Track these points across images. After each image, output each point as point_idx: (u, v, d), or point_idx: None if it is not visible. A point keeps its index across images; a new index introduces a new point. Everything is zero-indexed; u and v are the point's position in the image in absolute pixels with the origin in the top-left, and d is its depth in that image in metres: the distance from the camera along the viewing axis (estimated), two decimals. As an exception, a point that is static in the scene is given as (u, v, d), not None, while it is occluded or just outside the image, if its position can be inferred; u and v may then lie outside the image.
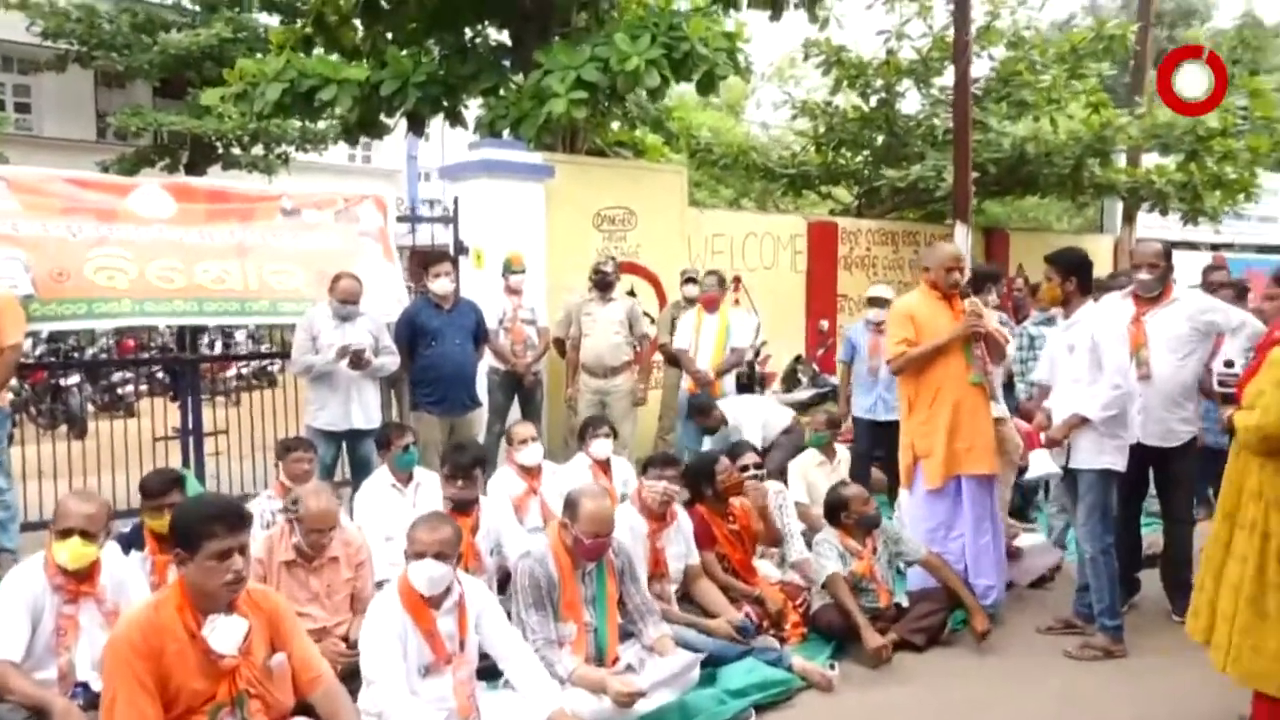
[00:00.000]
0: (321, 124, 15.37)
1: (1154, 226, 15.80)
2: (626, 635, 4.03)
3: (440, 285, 6.37)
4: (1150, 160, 12.20)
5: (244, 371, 11.69)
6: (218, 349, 11.97)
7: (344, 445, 6.13)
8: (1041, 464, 4.62)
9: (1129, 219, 12.97)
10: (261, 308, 6.67)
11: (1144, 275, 4.84)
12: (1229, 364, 3.66)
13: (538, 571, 3.79)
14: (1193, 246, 15.41)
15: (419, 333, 6.37)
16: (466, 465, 4.48)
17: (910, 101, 12.41)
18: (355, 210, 7.36)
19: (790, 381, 8.98)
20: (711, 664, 4.08)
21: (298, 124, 18.28)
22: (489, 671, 3.65)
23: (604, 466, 5.99)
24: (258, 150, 20.06)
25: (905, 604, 4.81)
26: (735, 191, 18.31)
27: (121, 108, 19.85)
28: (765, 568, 5.08)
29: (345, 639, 3.98)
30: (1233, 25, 22.13)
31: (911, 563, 4.86)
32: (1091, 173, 11.21)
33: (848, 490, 4.85)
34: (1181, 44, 14.45)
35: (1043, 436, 4.53)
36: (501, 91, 9.13)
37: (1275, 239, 19.85)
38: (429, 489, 5.03)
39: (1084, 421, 4.39)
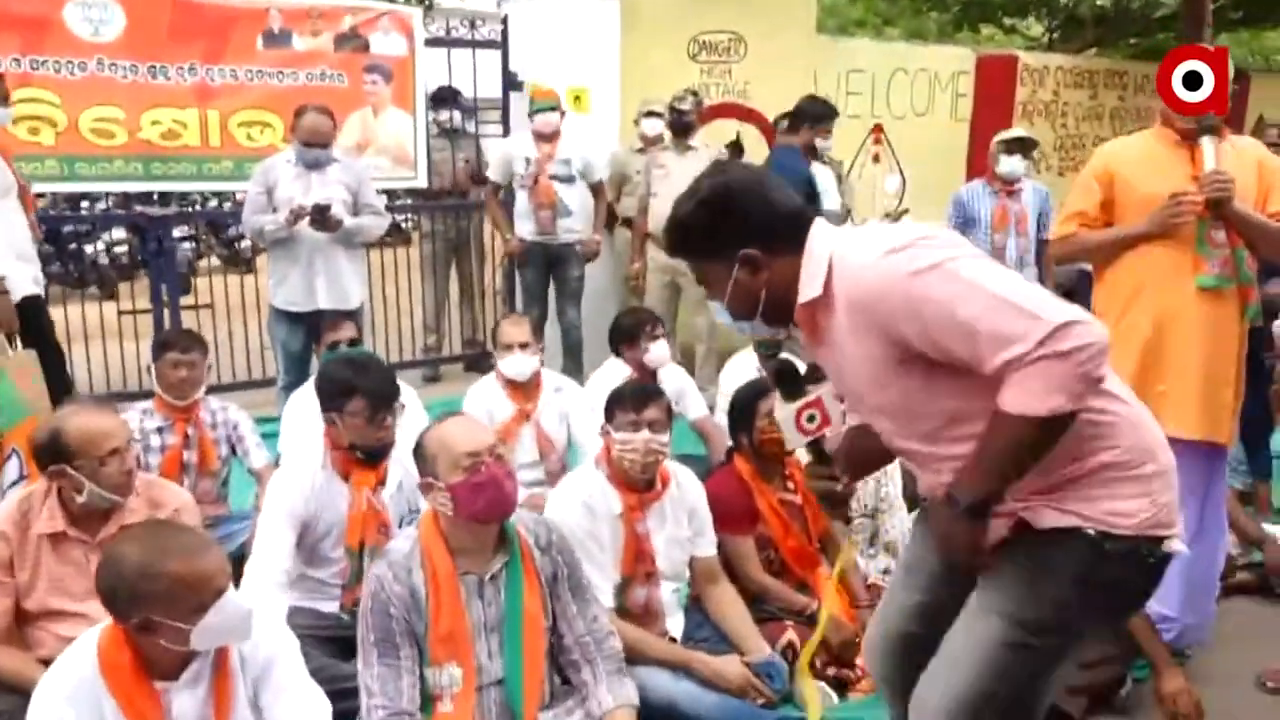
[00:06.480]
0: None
1: None
2: (565, 686, 2.46)
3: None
4: None
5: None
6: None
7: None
8: None
9: None
10: (223, 170, 5.49)
11: None
12: None
13: (390, 587, 2.22)
14: None
15: None
16: (390, 395, 2.88)
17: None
18: (366, 35, 5.81)
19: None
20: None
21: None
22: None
23: (648, 378, 4.31)
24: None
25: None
26: (905, 33, 15.58)
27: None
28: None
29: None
30: None
31: None
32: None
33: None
34: None
35: None
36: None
37: None
38: (409, 406, 3.42)
39: None
